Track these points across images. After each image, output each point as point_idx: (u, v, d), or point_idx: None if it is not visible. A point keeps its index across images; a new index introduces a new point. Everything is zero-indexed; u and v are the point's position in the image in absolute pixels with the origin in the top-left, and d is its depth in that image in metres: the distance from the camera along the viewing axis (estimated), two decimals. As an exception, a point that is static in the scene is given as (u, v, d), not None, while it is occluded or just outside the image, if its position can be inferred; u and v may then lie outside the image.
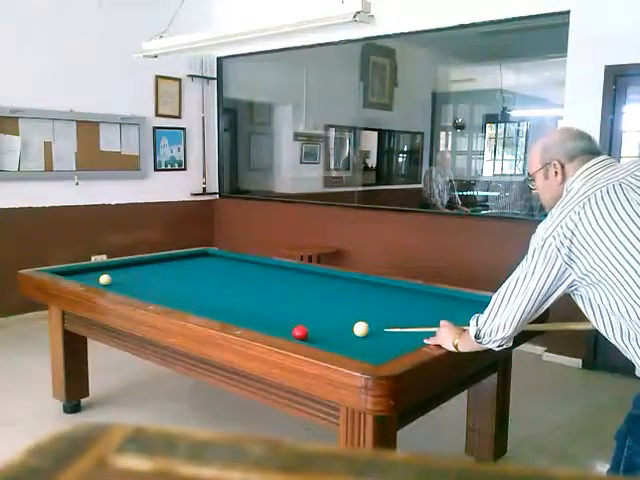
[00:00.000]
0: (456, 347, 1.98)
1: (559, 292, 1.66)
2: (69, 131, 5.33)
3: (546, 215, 1.70)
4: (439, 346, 2.06)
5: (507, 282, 1.74)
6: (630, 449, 1.63)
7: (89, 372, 3.41)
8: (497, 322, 1.74)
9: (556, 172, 1.75)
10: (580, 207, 1.60)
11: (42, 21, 5.06)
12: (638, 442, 1.63)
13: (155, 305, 2.62)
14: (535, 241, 1.66)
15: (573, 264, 1.60)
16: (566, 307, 1.86)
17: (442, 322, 2.10)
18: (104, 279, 3.10)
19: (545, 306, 1.70)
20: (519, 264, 1.72)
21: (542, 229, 1.65)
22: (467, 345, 1.93)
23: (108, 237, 5.63)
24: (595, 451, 3.04)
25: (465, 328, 1.93)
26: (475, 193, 8.05)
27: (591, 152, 1.74)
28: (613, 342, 1.70)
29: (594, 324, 1.72)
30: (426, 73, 7.87)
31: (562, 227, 1.60)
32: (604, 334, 1.71)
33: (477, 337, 1.82)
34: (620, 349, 1.69)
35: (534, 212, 5.40)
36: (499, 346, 1.81)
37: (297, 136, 7.16)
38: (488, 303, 1.80)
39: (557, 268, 1.61)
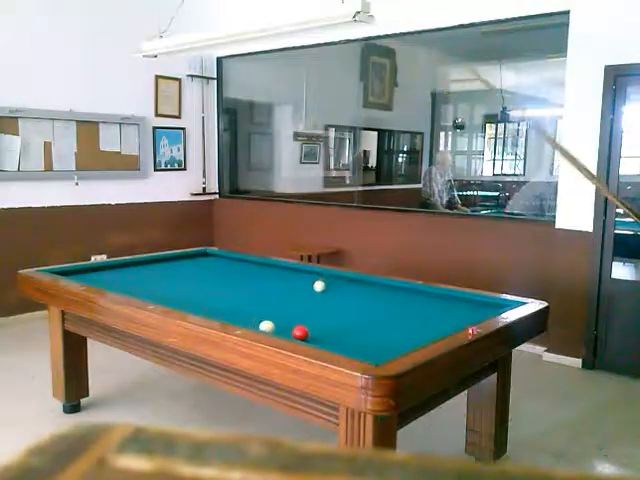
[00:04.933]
0: None
1: None
2: (69, 131, 5.33)
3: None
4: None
5: None
6: None
7: (89, 372, 3.41)
8: None
9: None
10: None
11: (42, 21, 5.06)
12: None
13: (155, 305, 2.62)
14: None
15: None
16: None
17: None
18: (267, 326, 2.42)
19: None
20: None
21: None
22: None
23: (108, 237, 5.63)
24: (595, 451, 3.04)
25: None
26: (475, 193, 8.06)
27: None
28: None
29: None
30: (426, 73, 7.87)
31: None
32: None
33: None
34: None
35: (535, 212, 5.40)
36: None
37: (297, 136, 7.16)
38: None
39: None
